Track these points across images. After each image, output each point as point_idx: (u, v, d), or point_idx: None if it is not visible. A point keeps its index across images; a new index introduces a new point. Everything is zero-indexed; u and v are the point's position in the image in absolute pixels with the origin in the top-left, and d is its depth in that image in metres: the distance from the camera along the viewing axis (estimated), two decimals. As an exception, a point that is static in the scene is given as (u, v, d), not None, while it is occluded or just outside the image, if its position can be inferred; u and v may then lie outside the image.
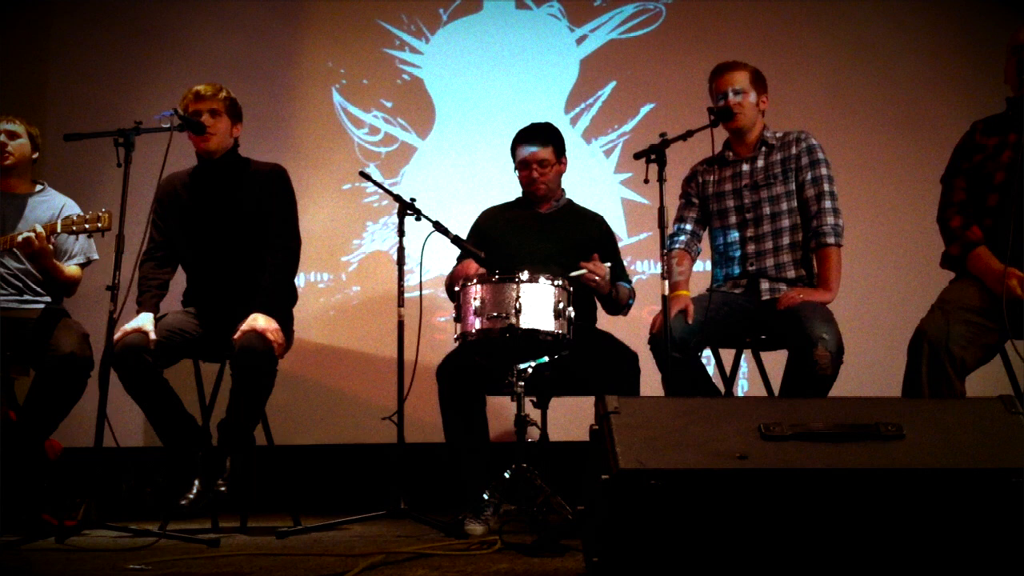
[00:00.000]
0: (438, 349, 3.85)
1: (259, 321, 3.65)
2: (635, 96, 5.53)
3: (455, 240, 3.80)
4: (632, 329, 4.02)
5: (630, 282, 4.11)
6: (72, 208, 4.11)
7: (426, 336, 3.82)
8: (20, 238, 3.70)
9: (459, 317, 3.50)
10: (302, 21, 5.73)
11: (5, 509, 3.53)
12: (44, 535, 3.22)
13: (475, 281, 3.46)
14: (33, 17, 5.80)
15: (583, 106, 5.55)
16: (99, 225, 3.62)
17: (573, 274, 3.69)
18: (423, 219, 3.77)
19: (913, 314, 3.32)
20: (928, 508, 2.20)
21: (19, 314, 3.92)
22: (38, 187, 4.16)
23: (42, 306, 3.98)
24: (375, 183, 4.01)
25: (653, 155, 3.43)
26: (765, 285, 3.74)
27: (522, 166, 4.05)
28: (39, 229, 3.70)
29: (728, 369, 3.89)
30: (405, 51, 5.65)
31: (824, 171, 3.77)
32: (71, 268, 4.00)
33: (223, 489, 3.54)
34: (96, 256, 4.09)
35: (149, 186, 3.82)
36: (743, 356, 3.96)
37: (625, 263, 4.24)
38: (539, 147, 4.02)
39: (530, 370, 3.45)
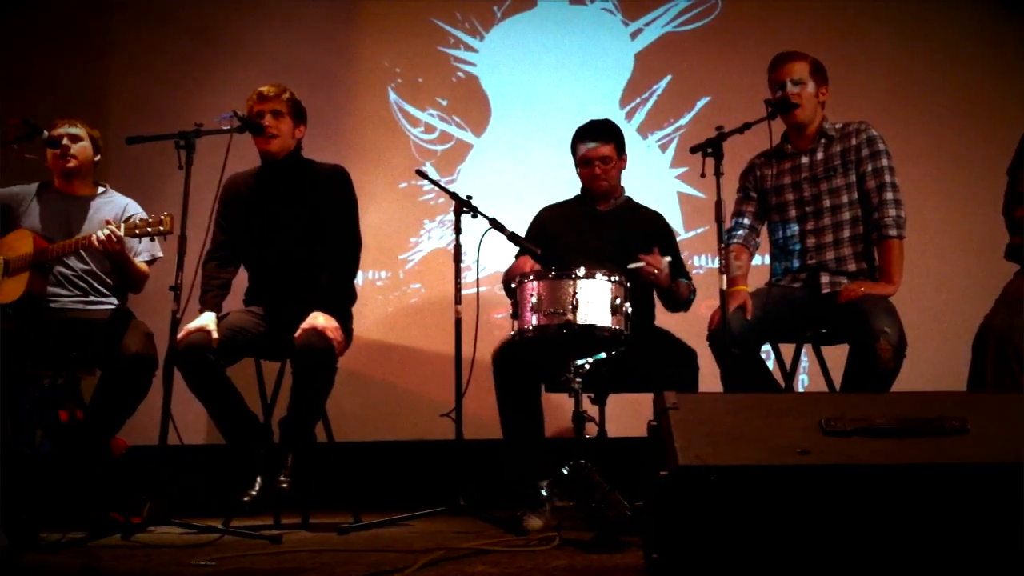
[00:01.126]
0: (495, 346, 3.85)
1: (319, 320, 3.69)
2: (691, 90, 5.49)
3: (511, 237, 3.80)
4: (690, 325, 3.99)
5: (690, 279, 4.09)
6: (134, 208, 4.18)
7: (484, 333, 3.83)
8: (97, 238, 3.76)
9: (516, 314, 3.50)
10: (358, 21, 5.77)
11: (73, 506, 3.61)
12: (111, 532, 3.29)
13: (532, 278, 3.46)
14: (94, 22, 5.91)
15: (638, 100, 5.52)
16: (161, 228, 3.69)
17: (631, 266, 3.67)
18: (479, 216, 3.78)
19: (977, 306, 3.26)
20: (993, 503, 2.16)
21: (84, 315, 4.00)
22: (100, 189, 4.23)
23: (106, 307, 4.05)
24: (431, 181, 4.04)
25: (710, 149, 3.41)
26: (825, 279, 3.70)
27: (583, 163, 4.04)
28: (112, 227, 3.76)
29: (788, 364, 3.86)
30: (460, 49, 5.67)
31: (885, 162, 3.71)
32: (142, 264, 4.08)
33: (285, 486, 3.58)
34: (160, 254, 4.16)
35: (210, 187, 3.87)
36: (803, 351, 3.92)
37: (682, 258, 4.22)
38: (601, 144, 4.00)
39: (587, 366, 3.44)
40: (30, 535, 2.97)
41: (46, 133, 3.91)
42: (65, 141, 4.10)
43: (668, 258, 3.82)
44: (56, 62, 5.82)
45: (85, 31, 5.90)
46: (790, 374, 3.84)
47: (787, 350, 3.89)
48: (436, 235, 5.51)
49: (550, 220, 4.16)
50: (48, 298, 3.94)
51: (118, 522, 3.41)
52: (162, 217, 3.69)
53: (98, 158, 4.23)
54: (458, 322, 3.72)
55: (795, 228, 3.82)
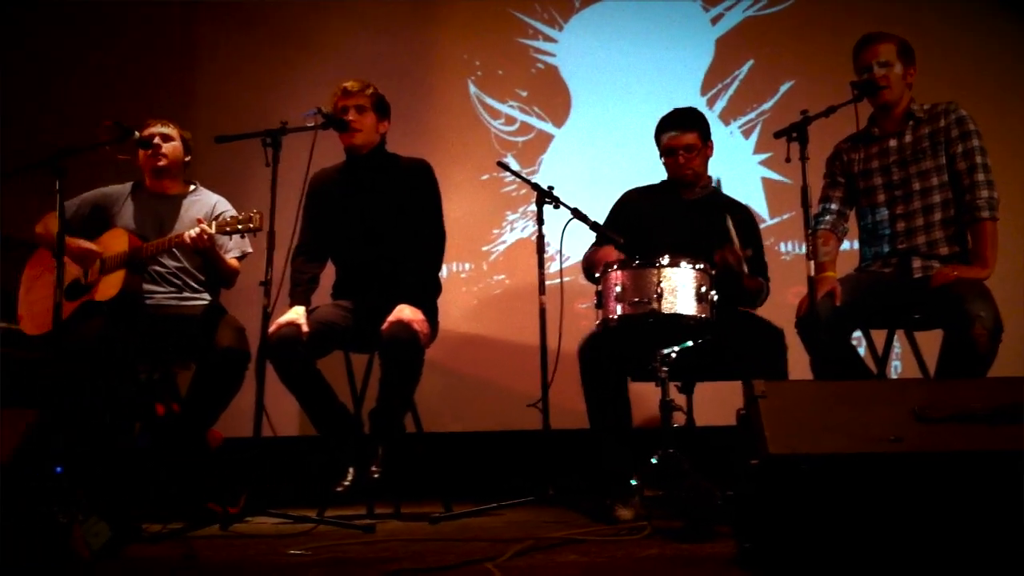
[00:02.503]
0: (580, 336, 3.85)
1: (405, 312, 3.73)
2: (773, 74, 5.42)
3: (594, 227, 3.80)
4: (778, 312, 3.94)
5: (768, 279, 4.02)
6: (224, 205, 4.26)
7: (568, 323, 3.84)
8: (188, 236, 3.85)
9: (601, 303, 3.50)
10: (438, 16, 5.80)
11: (172, 498, 3.70)
12: (209, 522, 3.36)
13: (616, 267, 3.45)
14: (182, 26, 6.04)
15: (720, 86, 5.47)
16: (251, 226, 3.76)
17: (728, 224, 3.60)
18: (562, 207, 3.78)
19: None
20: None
21: (179, 311, 4.08)
22: (191, 187, 4.32)
23: (199, 303, 4.13)
24: (513, 172, 4.05)
25: (794, 133, 3.36)
26: (917, 263, 3.63)
27: (668, 153, 4.00)
28: (205, 227, 3.85)
29: (880, 350, 3.79)
30: (539, 40, 5.67)
31: (976, 143, 3.62)
32: (232, 260, 4.15)
33: (376, 476, 3.63)
34: (250, 249, 4.23)
35: (297, 183, 3.93)
36: (895, 337, 3.85)
37: (767, 244, 4.17)
38: (684, 132, 3.96)
39: (674, 355, 3.43)
40: (132, 527, 3.05)
41: (137, 134, 3.98)
42: (156, 141, 4.18)
43: (749, 251, 3.76)
44: (146, 65, 5.97)
45: (174, 35, 6.03)
46: (882, 361, 3.78)
47: (879, 337, 3.83)
48: (519, 226, 5.53)
49: (634, 205, 4.13)
50: (143, 295, 4.04)
51: (216, 513, 3.50)
52: (252, 214, 3.76)
53: (188, 158, 4.31)
54: (542, 312, 3.73)
55: (884, 212, 3.75)
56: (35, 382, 4.26)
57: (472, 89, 5.69)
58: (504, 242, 5.53)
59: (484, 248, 5.54)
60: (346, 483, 3.65)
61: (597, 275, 3.57)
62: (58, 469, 2.57)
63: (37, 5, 6.15)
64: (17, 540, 2.53)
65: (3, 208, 5.89)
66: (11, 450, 2.55)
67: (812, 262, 3.35)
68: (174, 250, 4.05)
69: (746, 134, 5.40)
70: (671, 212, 4.01)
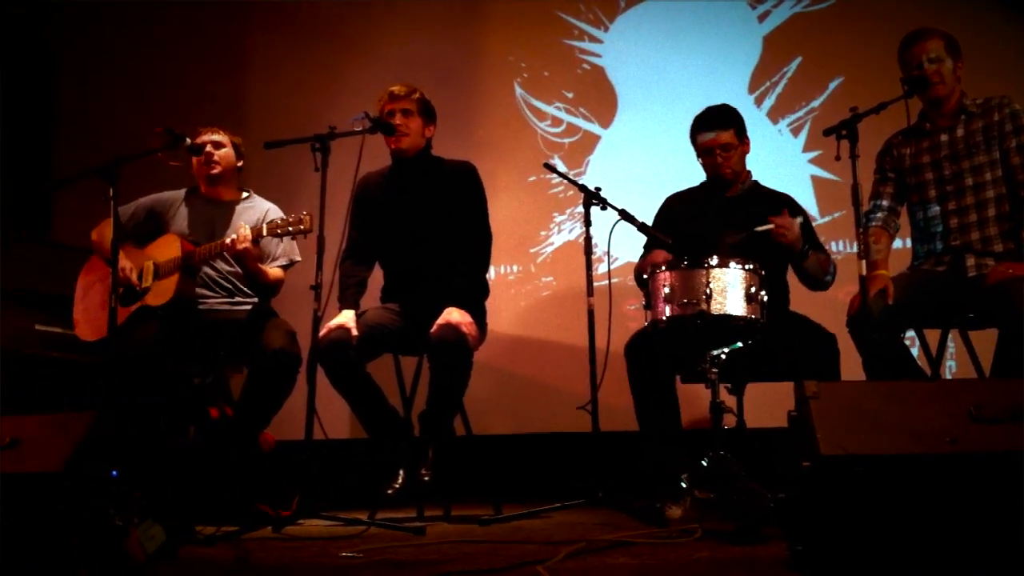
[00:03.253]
0: (629, 337, 3.84)
1: (453, 315, 3.74)
2: (822, 71, 5.36)
3: (642, 228, 3.79)
4: (829, 311, 3.90)
5: (828, 256, 3.97)
6: (275, 213, 4.29)
7: (616, 324, 3.83)
8: (228, 241, 3.90)
9: (649, 305, 3.49)
10: (483, 18, 5.82)
11: (225, 501, 3.74)
12: (262, 525, 3.39)
13: (664, 268, 3.43)
14: (231, 32, 6.12)
15: (767, 84, 5.42)
16: (301, 227, 3.79)
17: (758, 228, 3.59)
18: (609, 208, 3.78)
19: None
20: None
21: (230, 315, 4.12)
22: (244, 194, 4.36)
23: (251, 307, 4.18)
24: (560, 174, 4.06)
25: (844, 131, 3.33)
26: (971, 261, 3.58)
27: (704, 153, 3.96)
28: (244, 231, 3.89)
29: (934, 350, 3.74)
30: (585, 40, 5.66)
31: (1031, 137, 3.57)
32: (274, 270, 4.17)
33: (427, 478, 3.65)
34: (299, 258, 4.25)
35: (345, 187, 3.97)
36: (950, 336, 3.80)
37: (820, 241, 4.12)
38: (720, 131, 3.92)
39: (724, 356, 3.40)
40: (186, 529, 3.09)
41: (189, 141, 4.03)
42: (208, 148, 4.23)
43: (799, 218, 3.72)
44: (198, 72, 6.05)
45: (223, 41, 6.11)
46: (936, 360, 3.73)
47: (932, 336, 3.78)
48: (566, 228, 5.52)
49: (678, 209, 4.11)
50: (196, 300, 4.09)
51: (268, 515, 3.53)
52: (302, 216, 3.79)
53: (240, 164, 4.36)
54: (591, 314, 3.72)
55: (936, 209, 3.70)
56: (90, 386, 4.34)
57: (518, 91, 5.70)
58: (552, 244, 5.53)
59: (532, 250, 5.54)
60: (396, 485, 3.68)
61: (645, 277, 3.56)
62: (114, 472, 2.60)
63: (90, 15, 6.26)
64: (74, 542, 2.58)
65: (59, 215, 6.01)
66: (67, 454, 2.59)
67: (864, 260, 3.32)
68: (226, 255, 4.09)
69: (795, 132, 5.35)
70: (714, 211, 3.97)
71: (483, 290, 4.08)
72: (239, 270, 4.15)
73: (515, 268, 5.54)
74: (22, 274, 4.48)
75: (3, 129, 6.00)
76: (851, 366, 3.66)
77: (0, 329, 4.15)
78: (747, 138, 4.00)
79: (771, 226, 3.65)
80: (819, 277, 3.88)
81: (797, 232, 3.70)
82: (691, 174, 4.23)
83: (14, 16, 6.11)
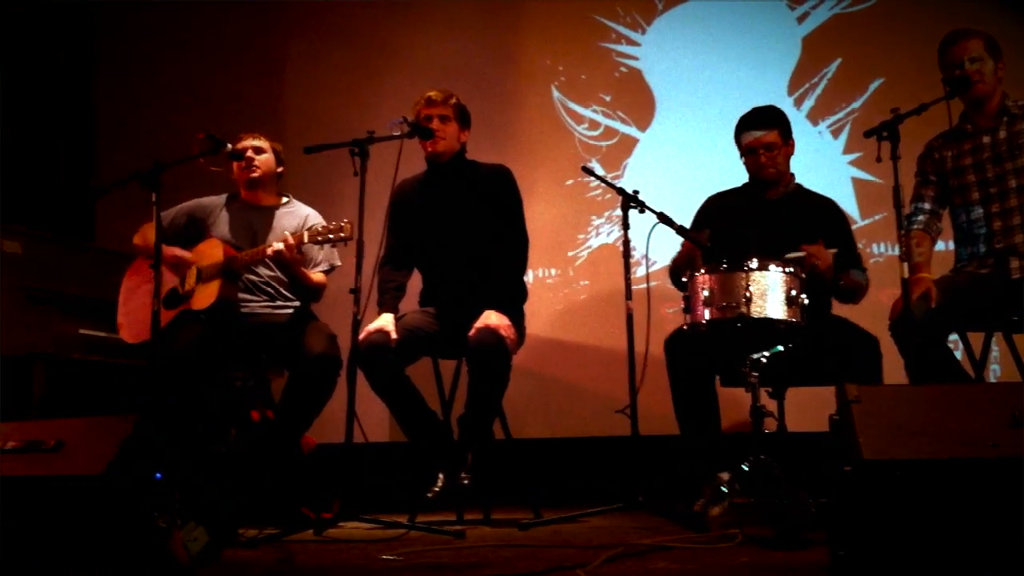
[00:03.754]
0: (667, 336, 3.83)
1: (492, 318, 3.75)
2: (863, 72, 5.32)
3: (680, 230, 3.77)
4: (872, 314, 3.87)
5: (864, 270, 3.94)
6: (315, 218, 4.32)
7: (655, 328, 3.81)
8: (271, 250, 3.92)
9: (688, 308, 3.48)
10: (520, 22, 5.83)
11: (267, 503, 3.77)
12: (303, 527, 3.42)
13: (703, 271, 3.42)
14: (271, 39, 6.17)
15: (807, 86, 5.39)
16: (342, 235, 3.80)
17: (789, 256, 3.57)
18: (647, 211, 3.77)
19: None
20: None
21: (272, 319, 4.15)
22: (284, 200, 4.40)
23: (292, 311, 4.21)
24: (597, 177, 4.06)
25: (885, 132, 3.29)
26: (1015, 263, 3.54)
27: (748, 152, 3.95)
28: (289, 239, 3.92)
29: (978, 353, 3.70)
30: (622, 44, 5.65)
31: (1076, 138, 3.52)
32: (317, 275, 4.19)
33: (466, 482, 3.66)
34: (339, 262, 4.27)
35: (384, 192, 3.99)
36: (993, 339, 3.75)
37: (859, 246, 4.09)
38: (764, 131, 3.90)
39: (764, 359, 3.38)
40: (229, 531, 3.12)
41: (230, 146, 4.06)
42: (249, 153, 4.26)
43: (835, 251, 3.69)
44: (237, 77, 6.12)
45: (263, 47, 6.18)
46: (980, 364, 3.68)
47: (976, 340, 3.73)
48: (604, 231, 5.52)
49: (717, 210, 4.09)
50: (239, 304, 4.12)
51: (309, 518, 3.55)
52: (342, 224, 3.81)
53: (281, 169, 4.39)
54: (629, 317, 3.71)
55: (979, 211, 3.66)
56: (134, 389, 4.39)
57: (555, 94, 5.70)
58: (589, 247, 5.53)
59: (569, 253, 5.54)
60: (436, 489, 3.69)
61: (684, 280, 3.55)
62: (157, 475, 2.63)
63: (130, 22, 6.34)
64: (118, 544, 2.61)
65: (102, 220, 6.09)
66: (111, 456, 2.62)
67: (906, 263, 3.29)
68: (268, 260, 4.13)
69: (835, 134, 5.32)
70: (755, 213, 3.95)
71: (521, 293, 4.08)
72: (280, 274, 4.19)
73: (553, 271, 5.54)
74: (66, 279, 4.55)
75: (46, 135, 6.10)
76: (894, 370, 3.63)
77: (46, 334, 4.20)
78: (792, 140, 3.98)
79: (802, 254, 3.61)
80: (848, 300, 3.88)
81: (830, 262, 3.65)
82: (730, 176, 4.21)
83: (57, 24, 6.20)
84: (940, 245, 3.97)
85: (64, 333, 4.26)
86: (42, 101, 6.10)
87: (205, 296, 4.03)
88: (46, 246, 4.54)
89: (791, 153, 4.00)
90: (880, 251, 5.14)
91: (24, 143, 5.94)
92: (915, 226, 3.78)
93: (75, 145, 6.31)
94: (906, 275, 3.28)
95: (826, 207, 4.03)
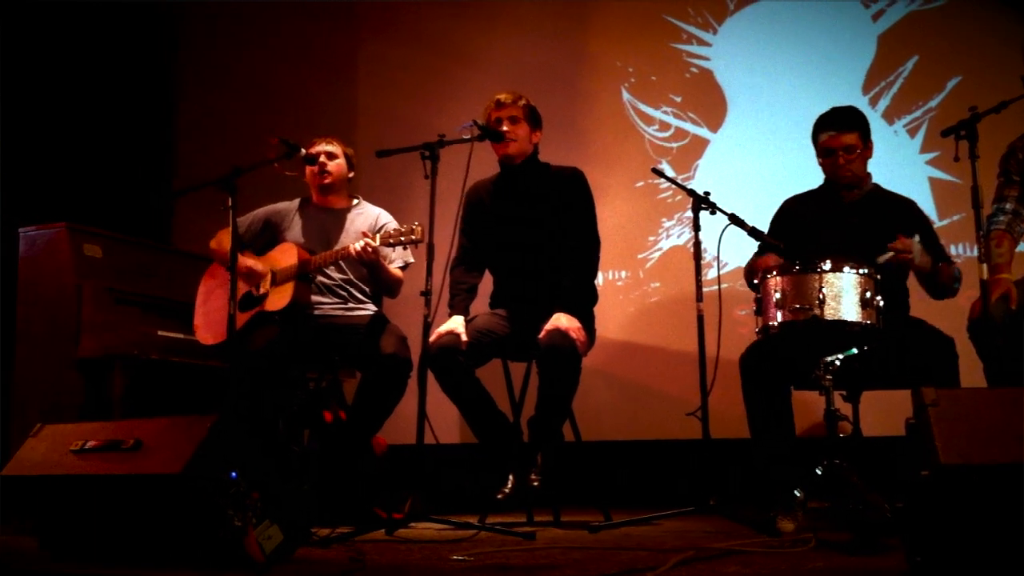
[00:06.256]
0: (740, 343, 3.80)
1: (562, 320, 3.75)
2: (940, 70, 5.21)
3: (753, 232, 3.74)
4: (950, 315, 3.79)
5: (952, 263, 3.86)
6: (386, 218, 4.38)
7: (727, 330, 3.79)
8: (354, 249, 3.96)
9: (760, 310, 3.44)
10: (590, 24, 5.83)
11: (340, 503, 3.82)
12: (375, 527, 3.45)
13: (775, 273, 3.38)
14: (343, 44, 6.26)
15: (882, 84, 5.30)
16: (413, 238, 3.83)
17: (880, 260, 3.51)
18: (718, 213, 3.74)
19: None
20: None
21: (344, 320, 4.21)
22: (354, 201, 4.46)
23: (364, 313, 4.26)
24: (668, 179, 4.04)
25: (963, 131, 3.23)
26: (1100, 264, 3.44)
27: (826, 153, 3.88)
28: (368, 239, 3.95)
29: (1061, 357, 3.61)
30: (692, 44, 5.62)
31: None
32: (395, 270, 4.23)
33: (536, 484, 3.66)
34: (412, 259, 4.30)
35: (455, 194, 4.02)
36: (1078, 342, 3.66)
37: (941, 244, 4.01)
38: (844, 132, 3.83)
39: (838, 362, 3.33)
40: (303, 531, 3.16)
41: (303, 151, 4.12)
42: (322, 158, 4.33)
43: (916, 236, 3.62)
44: (310, 82, 6.21)
45: (336, 51, 6.27)
46: (1063, 367, 3.59)
47: (1058, 341, 3.64)
48: (675, 233, 5.49)
49: (794, 212, 4.03)
50: (312, 306, 4.18)
51: (381, 518, 3.59)
52: (413, 227, 3.84)
53: (352, 173, 4.45)
54: (700, 319, 3.69)
55: (1065, 211, 3.57)
56: (211, 389, 4.48)
57: (625, 96, 5.69)
58: (660, 249, 5.51)
59: (640, 256, 5.52)
60: (506, 490, 3.70)
61: (756, 282, 3.51)
62: (233, 474, 2.68)
63: (206, 29, 6.47)
64: (195, 542, 2.66)
65: (180, 224, 6.23)
66: (188, 456, 2.68)
67: (985, 264, 3.22)
68: (340, 262, 4.18)
69: (912, 133, 5.22)
70: (832, 216, 3.89)
71: (592, 296, 4.08)
72: (352, 277, 4.25)
73: (623, 274, 5.53)
74: (145, 281, 4.65)
75: (126, 138, 6.25)
76: (972, 372, 3.56)
77: (127, 336, 4.29)
78: (871, 142, 3.90)
79: (891, 254, 3.55)
80: (948, 285, 3.79)
81: (920, 249, 3.59)
82: (803, 177, 4.16)
83: (140, 28, 6.35)
84: (1022, 246, 3.87)
85: (144, 335, 4.35)
86: (122, 105, 6.26)
87: (279, 298, 4.09)
88: (126, 249, 4.65)
89: (869, 156, 3.92)
90: (959, 252, 5.03)
91: (104, 146, 6.11)
92: (995, 226, 3.70)
93: (154, 148, 6.46)
94: (986, 276, 3.22)
95: (905, 208, 3.94)
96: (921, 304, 3.91)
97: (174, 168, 6.49)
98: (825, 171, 3.94)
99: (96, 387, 4.25)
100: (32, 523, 3.10)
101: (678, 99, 5.61)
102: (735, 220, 3.71)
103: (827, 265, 3.28)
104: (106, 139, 6.14)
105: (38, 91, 5.77)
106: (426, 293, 3.54)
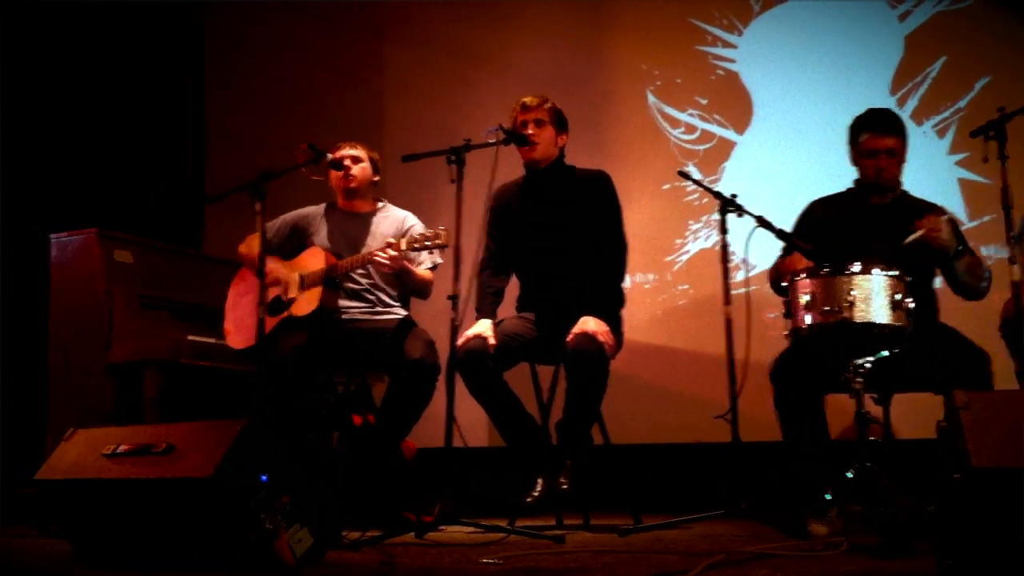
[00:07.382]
0: (768, 346, 3.79)
1: (590, 324, 3.75)
2: (968, 70, 5.18)
3: (780, 234, 3.72)
4: (981, 317, 3.76)
5: (979, 258, 3.82)
6: (412, 220, 4.39)
7: (756, 333, 3.78)
8: (380, 259, 3.96)
9: (789, 313, 3.43)
10: (615, 27, 5.83)
11: (369, 506, 3.83)
12: (405, 530, 3.47)
13: (804, 275, 3.36)
14: (369, 49, 6.29)
15: (910, 85, 5.27)
16: (438, 242, 3.85)
17: (910, 239, 3.48)
18: (745, 215, 3.73)
19: None
20: None
21: (372, 324, 4.22)
22: (379, 204, 4.47)
23: (392, 317, 4.26)
24: (695, 181, 4.04)
25: (992, 132, 3.22)
26: None
27: (867, 155, 3.82)
28: (398, 245, 3.94)
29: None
30: (718, 46, 5.61)
31: None
32: (424, 272, 4.23)
33: (565, 487, 3.66)
34: (440, 260, 4.29)
35: (481, 198, 4.02)
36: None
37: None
38: (889, 136, 3.79)
39: (868, 365, 3.31)
40: (333, 534, 3.17)
41: (330, 156, 4.13)
42: (347, 163, 4.34)
43: (945, 216, 3.58)
44: (336, 87, 6.25)
45: (362, 56, 6.30)
46: (1097, 369, 3.55)
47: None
48: (702, 235, 5.48)
49: (821, 214, 4.01)
50: (340, 310, 4.20)
51: (411, 521, 3.60)
52: (439, 231, 3.85)
53: (377, 178, 4.46)
54: (728, 322, 3.68)
55: (1098, 211, 3.54)
56: (241, 393, 4.51)
57: (651, 99, 5.68)
58: (687, 252, 5.50)
59: (667, 258, 5.51)
60: (535, 494, 3.70)
61: (784, 285, 3.50)
62: (263, 477, 2.69)
63: (233, 35, 6.52)
64: (226, 545, 2.68)
65: (210, 228, 6.27)
66: (219, 459, 2.69)
67: (1015, 266, 3.19)
68: (368, 267, 4.20)
69: (940, 134, 5.19)
70: (860, 218, 3.86)
71: (619, 299, 4.07)
72: (379, 281, 4.26)
73: (651, 277, 5.52)
74: (175, 286, 4.69)
75: (157, 147, 6.31)
76: (1004, 375, 3.53)
77: (158, 341, 4.33)
78: (907, 148, 3.88)
79: (921, 232, 3.52)
80: (975, 283, 3.74)
81: (948, 229, 3.57)
82: (830, 179, 4.14)
83: (168, 34, 6.41)
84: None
85: (175, 339, 4.38)
86: (151, 112, 6.32)
87: (307, 303, 4.11)
88: (156, 254, 4.69)
89: (904, 162, 3.90)
90: (989, 253, 4.99)
91: (134, 153, 6.16)
92: (1028, 227, 3.67)
93: (183, 154, 6.51)
94: (1017, 278, 3.19)
95: (934, 211, 3.91)
96: (953, 307, 3.88)
97: (202, 173, 6.53)
98: (866, 172, 3.87)
99: (127, 391, 4.28)
100: (65, 526, 3.13)
101: (704, 101, 5.60)
102: (763, 222, 3.70)
103: (857, 267, 3.25)
104: (136, 145, 6.19)
105: (69, 98, 5.83)
106: (453, 297, 3.54)
